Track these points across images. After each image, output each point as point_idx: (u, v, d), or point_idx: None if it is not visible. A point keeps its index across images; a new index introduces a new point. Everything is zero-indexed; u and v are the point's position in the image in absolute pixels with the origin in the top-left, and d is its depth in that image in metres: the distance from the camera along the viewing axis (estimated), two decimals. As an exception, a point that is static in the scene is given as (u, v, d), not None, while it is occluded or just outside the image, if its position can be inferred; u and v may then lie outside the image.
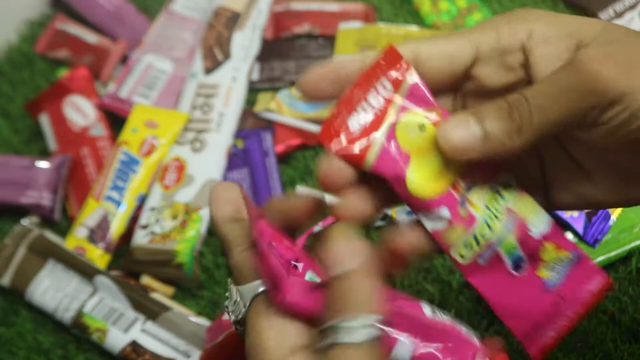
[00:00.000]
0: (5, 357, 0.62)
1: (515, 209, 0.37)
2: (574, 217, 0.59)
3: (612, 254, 0.58)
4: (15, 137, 0.77)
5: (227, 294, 0.37)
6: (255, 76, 0.75)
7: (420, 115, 0.35)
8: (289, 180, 0.68)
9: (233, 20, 0.76)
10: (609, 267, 0.59)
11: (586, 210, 0.59)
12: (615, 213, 0.59)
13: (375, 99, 0.35)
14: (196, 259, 0.64)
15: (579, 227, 0.59)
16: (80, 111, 0.74)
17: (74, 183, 0.71)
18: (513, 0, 0.78)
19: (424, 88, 0.35)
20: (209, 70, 0.73)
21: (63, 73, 0.78)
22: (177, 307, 0.61)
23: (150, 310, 0.60)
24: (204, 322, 0.60)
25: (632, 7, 0.72)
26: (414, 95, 0.35)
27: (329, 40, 0.77)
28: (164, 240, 0.64)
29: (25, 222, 0.66)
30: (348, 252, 0.33)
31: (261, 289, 0.35)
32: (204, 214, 0.65)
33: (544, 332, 0.39)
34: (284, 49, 0.77)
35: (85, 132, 0.73)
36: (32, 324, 0.64)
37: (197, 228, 0.64)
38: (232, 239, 0.37)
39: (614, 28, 0.34)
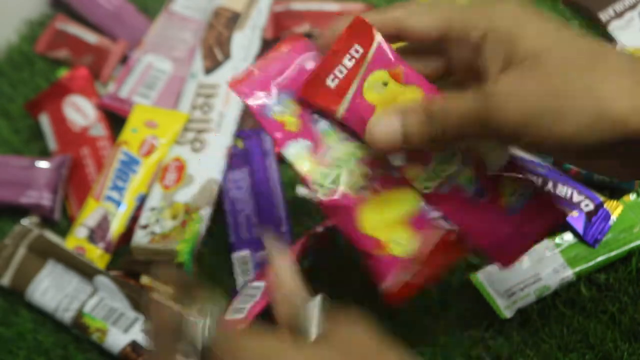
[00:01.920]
0: (5, 357, 0.62)
1: (473, 148, 0.45)
2: (574, 217, 0.59)
3: (612, 254, 0.58)
4: (15, 137, 0.77)
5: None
6: (255, 76, 0.75)
7: (384, 73, 0.44)
8: (289, 180, 0.68)
9: (233, 20, 0.76)
10: (609, 267, 0.59)
11: (586, 210, 0.59)
12: (615, 213, 0.59)
13: (349, 62, 0.45)
14: (196, 259, 0.64)
15: (579, 227, 0.59)
16: (80, 111, 0.74)
17: (74, 183, 0.71)
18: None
19: (387, 50, 0.44)
20: (209, 70, 0.73)
21: (63, 73, 0.78)
22: (176, 307, 0.61)
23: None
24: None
25: (632, 7, 0.72)
26: (379, 57, 0.44)
27: (329, 40, 0.77)
28: (164, 240, 0.64)
29: (25, 222, 0.66)
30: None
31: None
32: (204, 214, 0.65)
33: (512, 247, 0.46)
34: (284, 49, 0.77)
35: (85, 132, 0.73)
36: (32, 324, 0.64)
37: (197, 228, 0.64)
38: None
39: (555, 49, 0.37)
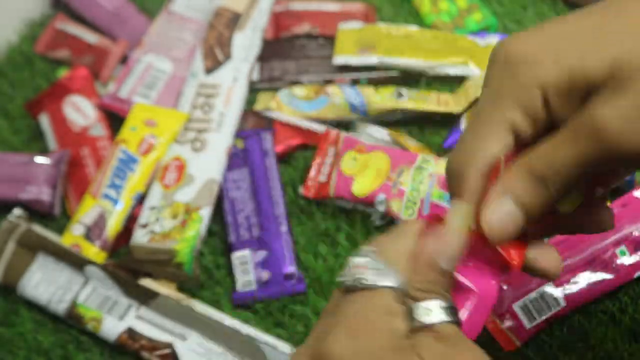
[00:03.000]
0: (5, 357, 0.62)
1: (434, 172, 0.58)
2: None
3: (612, 253, 0.58)
4: (15, 137, 0.77)
5: (362, 252, 0.37)
6: (255, 76, 0.75)
7: (352, 152, 0.63)
8: (289, 180, 0.68)
9: (234, 20, 0.76)
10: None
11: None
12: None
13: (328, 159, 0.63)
14: (196, 259, 0.64)
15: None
16: (80, 111, 0.74)
17: (74, 183, 0.71)
18: (513, 1, 0.78)
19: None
20: (209, 70, 0.73)
21: (63, 73, 0.78)
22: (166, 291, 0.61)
23: (143, 296, 0.61)
24: (196, 303, 0.61)
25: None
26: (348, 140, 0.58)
27: (329, 40, 0.77)
28: (163, 239, 0.64)
29: (12, 217, 0.66)
30: (456, 255, 0.36)
31: (397, 284, 0.35)
32: (204, 213, 0.65)
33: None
34: (284, 49, 0.77)
35: (85, 132, 0.73)
36: (32, 324, 0.64)
37: (197, 228, 0.64)
38: (411, 231, 0.37)
39: (628, 63, 0.32)
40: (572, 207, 0.37)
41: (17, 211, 0.67)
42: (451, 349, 0.34)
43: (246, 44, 0.75)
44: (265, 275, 0.63)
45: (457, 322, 0.35)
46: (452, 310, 0.35)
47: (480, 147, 0.36)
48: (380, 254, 0.36)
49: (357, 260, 0.36)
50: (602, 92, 0.33)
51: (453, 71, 0.72)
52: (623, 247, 0.56)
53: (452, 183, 0.37)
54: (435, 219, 0.37)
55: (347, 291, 0.36)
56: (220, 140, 0.69)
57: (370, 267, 0.35)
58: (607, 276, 0.56)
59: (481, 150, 0.36)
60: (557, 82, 0.34)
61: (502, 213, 0.35)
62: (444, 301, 0.35)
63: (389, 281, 0.35)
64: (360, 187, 0.63)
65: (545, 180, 0.34)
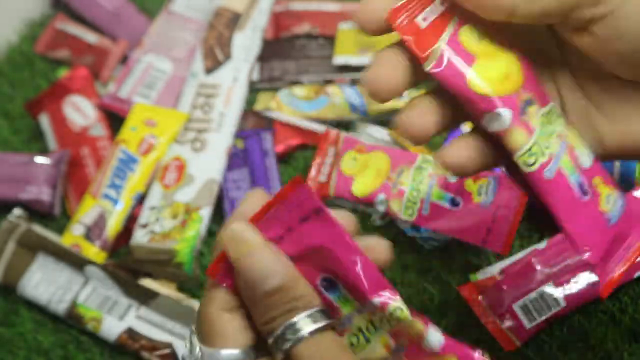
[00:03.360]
0: (5, 357, 0.62)
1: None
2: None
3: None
4: (15, 137, 0.77)
5: (186, 344, 0.35)
6: (255, 76, 0.75)
7: (352, 152, 0.35)
8: (289, 180, 0.68)
9: (234, 20, 0.76)
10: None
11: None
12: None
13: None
14: (196, 259, 0.64)
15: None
16: (80, 111, 0.74)
17: (74, 183, 0.71)
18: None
19: None
20: (209, 70, 0.73)
21: (63, 73, 0.78)
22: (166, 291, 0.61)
23: (143, 296, 0.61)
24: (196, 303, 0.61)
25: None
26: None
27: (329, 40, 0.77)
28: (163, 239, 0.64)
29: (12, 217, 0.66)
30: (272, 264, 0.33)
31: (227, 359, 0.33)
32: (204, 213, 0.65)
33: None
34: (284, 49, 0.77)
35: (85, 132, 0.73)
36: (32, 324, 0.64)
37: (197, 228, 0.64)
38: (220, 290, 0.34)
39: None
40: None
41: (17, 211, 0.67)
42: None
43: (246, 44, 0.75)
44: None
45: (316, 329, 0.32)
46: (294, 327, 0.32)
47: None
48: (199, 332, 0.34)
49: (183, 353, 0.35)
50: None
51: (453, 71, 0.72)
52: (623, 247, 0.56)
53: None
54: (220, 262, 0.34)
55: None
56: (220, 140, 0.69)
57: (194, 357, 0.34)
58: (607, 276, 0.56)
59: None
60: None
61: None
62: (289, 319, 0.32)
63: None
64: (360, 187, 0.63)
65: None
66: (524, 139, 0.35)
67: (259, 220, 0.34)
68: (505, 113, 0.34)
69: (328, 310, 0.33)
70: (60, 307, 0.62)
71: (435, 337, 0.36)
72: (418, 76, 0.35)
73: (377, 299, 0.34)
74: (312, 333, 0.32)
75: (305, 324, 0.32)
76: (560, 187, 0.35)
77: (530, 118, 0.35)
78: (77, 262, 0.62)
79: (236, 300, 0.34)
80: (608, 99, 0.37)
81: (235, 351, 0.33)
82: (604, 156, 0.38)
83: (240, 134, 0.70)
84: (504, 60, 0.35)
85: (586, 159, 0.37)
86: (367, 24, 0.35)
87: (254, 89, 0.75)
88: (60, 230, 0.68)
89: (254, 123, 0.72)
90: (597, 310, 0.57)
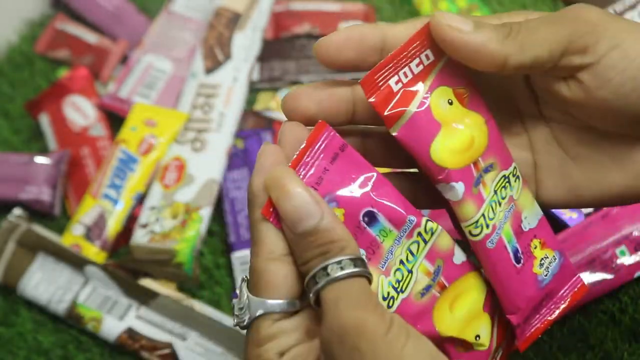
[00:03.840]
0: (5, 357, 0.62)
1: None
2: (573, 218, 0.59)
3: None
4: (15, 137, 0.77)
5: (237, 291, 0.36)
6: (255, 76, 0.75)
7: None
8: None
9: (234, 20, 0.76)
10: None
11: (585, 211, 0.59)
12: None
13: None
14: (196, 259, 0.64)
15: (579, 227, 0.59)
16: (80, 111, 0.74)
17: (74, 183, 0.71)
18: (513, 1, 0.78)
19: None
20: (209, 70, 0.73)
21: (63, 73, 0.78)
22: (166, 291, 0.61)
23: (143, 296, 0.61)
24: (196, 303, 0.61)
25: (632, 7, 0.72)
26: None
27: (329, 40, 0.77)
28: (163, 239, 0.64)
29: (12, 217, 0.66)
30: (310, 206, 0.34)
31: (266, 309, 0.34)
32: (204, 213, 0.65)
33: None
34: (284, 49, 0.77)
35: (85, 132, 0.73)
36: (32, 324, 0.64)
37: (197, 228, 0.64)
38: (267, 239, 0.35)
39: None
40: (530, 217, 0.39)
41: (17, 211, 0.67)
42: (324, 319, 0.33)
43: (246, 44, 0.75)
44: (265, 275, 0.63)
45: (351, 273, 0.33)
46: (339, 264, 0.33)
47: None
48: (249, 282, 0.35)
49: (234, 303, 0.36)
50: None
51: (453, 71, 0.72)
52: (623, 247, 0.56)
53: None
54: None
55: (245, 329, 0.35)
56: (220, 140, 0.69)
57: (240, 306, 0.35)
58: (607, 276, 0.56)
59: None
60: None
61: (456, 22, 0.34)
62: (325, 262, 0.33)
63: (255, 313, 0.34)
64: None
65: (511, 27, 0.34)
66: (472, 212, 0.37)
67: (296, 166, 0.35)
68: (459, 187, 0.37)
69: (361, 259, 0.34)
70: (60, 307, 0.62)
71: (459, 252, 0.39)
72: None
73: (412, 217, 0.36)
74: (339, 279, 0.33)
75: (333, 269, 0.33)
76: (499, 256, 0.38)
77: (485, 187, 0.37)
78: (77, 262, 0.63)
79: (283, 247, 0.35)
80: (584, 151, 0.39)
81: (280, 301, 0.34)
82: (579, 204, 0.40)
83: (240, 134, 0.70)
84: (469, 127, 0.37)
85: (533, 219, 0.39)
86: (330, 62, 0.37)
87: (254, 89, 0.75)
88: (60, 230, 0.68)
89: (254, 123, 0.72)
90: (597, 310, 0.57)
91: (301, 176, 0.35)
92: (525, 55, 0.34)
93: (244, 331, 0.36)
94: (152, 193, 0.67)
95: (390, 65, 0.35)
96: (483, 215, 0.37)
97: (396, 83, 0.36)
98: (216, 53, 0.74)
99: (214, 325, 0.59)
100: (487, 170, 0.37)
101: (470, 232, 0.38)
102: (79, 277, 0.62)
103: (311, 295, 0.33)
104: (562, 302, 0.41)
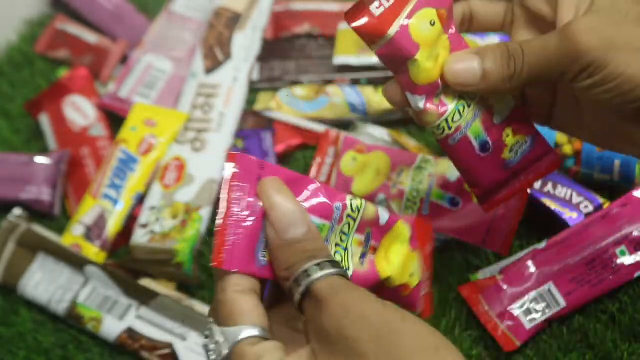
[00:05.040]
0: (5, 357, 0.62)
1: (434, 172, 0.48)
2: (573, 218, 0.59)
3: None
4: (15, 137, 0.77)
5: (206, 332, 0.36)
6: (255, 76, 0.75)
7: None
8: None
9: (234, 20, 0.76)
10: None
11: (585, 211, 0.59)
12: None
13: (328, 159, 0.45)
14: (196, 259, 0.64)
15: (579, 227, 0.59)
16: (80, 111, 0.74)
17: (74, 183, 0.71)
18: (513, 1, 0.78)
19: None
20: (209, 70, 0.73)
21: (63, 73, 0.78)
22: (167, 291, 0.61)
23: (143, 296, 0.61)
24: (196, 303, 0.61)
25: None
26: (346, 144, 0.46)
27: (329, 40, 0.77)
28: (163, 239, 0.64)
29: (12, 217, 0.66)
30: (299, 215, 0.37)
31: (245, 334, 0.35)
32: (204, 213, 0.65)
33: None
34: (284, 49, 0.77)
35: (85, 132, 0.73)
36: (32, 324, 0.64)
37: (197, 228, 0.64)
38: (231, 276, 0.36)
39: (625, 3, 0.40)
40: (503, 111, 0.45)
41: (17, 211, 0.67)
42: (320, 310, 0.34)
43: (246, 44, 0.75)
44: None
45: (332, 272, 0.35)
46: (321, 264, 0.35)
47: None
48: (218, 320, 0.36)
49: (205, 343, 0.36)
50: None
51: (453, 71, 0.72)
52: (623, 247, 0.56)
53: None
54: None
55: None
56: (220, 140, 0.69)
57: (215, 341, 0.36)
58: (607, 276, 0.56)
59: None
60: None
61: (465, 64, 0.42)
62: (308, 264, 0.35)
63: (234, 340, 0.35)
64: (360, 187, 0.63)
65: (512, 56, 0.41)
66: (434, 118, 0.44)
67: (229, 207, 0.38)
68: (420, 99, 0.43)
69: (337, 262, 0.37)
70: (60, 307, 0.62)
71: (383, 213, 0.44)
72: None
73: (337, 204, 0.40)
74: (324, 277, 0.35)
75: (315, 271, 0.35)
76: (461, 150, 0.45)
77: (447, 96, 0.44)
78: (77, 262, 0.63)
79: (247, 282, 0.36)
80: (599, 114, 0.45)
81: (256, 327, 0.35)
82: (578, 136, 0.49)
83: (240, 134, 0.70)
84: (443, 48, 0.43)
85: (505, 111, 0.45)
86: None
87: (254, 89, 0.75)
88: (60, 230, 0.68)
89: (254, 123, 0.72)
90: (597, 310, 0.57)
91: (238, 213, 0.37)
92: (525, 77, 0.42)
93: None
94: (152, 193, 0.67)
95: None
96: (446, 119, 0.44)
97: (377, 8, 0.41)
98: (216, 53, 0.74)
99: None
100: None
101: (433, 132, 0.45)
102: (79, 277, 0.62)
103: (298, 294, 0.35)
104: (532, 174, 0.47)
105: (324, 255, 0.36)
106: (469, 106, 0.44)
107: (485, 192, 0.48)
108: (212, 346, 0.36)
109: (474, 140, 0.45)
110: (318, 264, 0.35)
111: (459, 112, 0.44)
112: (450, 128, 0.44)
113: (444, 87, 0.43)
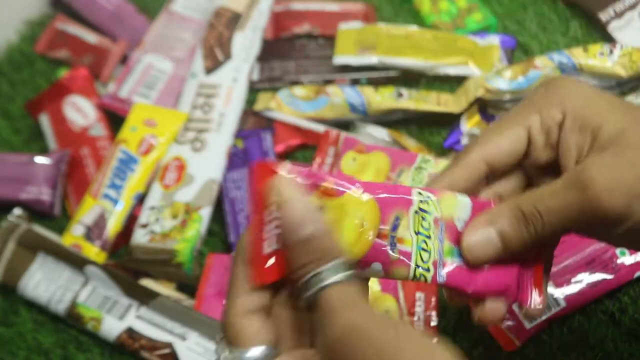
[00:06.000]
0: (5, 357, 0.62)
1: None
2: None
3: (612, 254, 0.58)
4: (15, 137, 0.77)
5: (215, 349, 0.37)
6: (255, 76, 0.75)
7: (352, 153, 0.40)
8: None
9: (234, 20, 0.76)
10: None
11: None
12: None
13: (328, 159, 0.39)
14: (196, 259, 0.64)
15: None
16: (80, 111, 0.74)
17: (74, 183, 0.71)
18: (513, 1, 0.78)
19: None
20: (209, 70, 0.73)
21: (63, 73, 0.78)
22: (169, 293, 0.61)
23: (143, 296, 0.61)
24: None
25: (632, 7, 0.72)
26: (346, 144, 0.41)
27: (329, 40, 0.77)
28: (163, 239, 0.64)
29: (12, 217, 0.66)
30: (305, 216, 0.35)
31: (251, 354, 0.35)
32: (204, 213, 0.65)
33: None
34: (284, 49, 0.77)
35: (85, 132, 0.73)
36: (32, 324, 0.64)
37: (197, 228, 0.64)
38: (243, 295, 0.36)
39: (634, 130, 0.37)
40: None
41: (17, 211, 0.67)
42: (322, 325, 0.34)
43: (246, 44, 0.75)
44: (265, 275, 0.63)
45: (341, 278, 0.34)
46: (333, 268, 0.35)
47: (493, 139, 0.40)
48: (227, 339, 0.36)
49: (216, 351, 0.37)
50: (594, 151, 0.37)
51: (453, 71, 0.72)
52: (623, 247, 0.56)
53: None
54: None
55: None
56: (220, 140, 0.69)
57: (223, 356, 0.36)
58: (607, 276, 0.56)
59: (492, 142, 0.40)
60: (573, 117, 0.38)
61: (483, 237, 0.38)
62: (318, 268, 0.35)
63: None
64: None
65: (530, 219, 0.37)
66: (404, 273, 0.38)
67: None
68: (377, 266, 0.37)
69: (350, 264, 0.35)
70: (60, 307, 0.62)
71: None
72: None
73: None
74: (334, 284, 0.34)
75: (326, 275, 0.35)
76: (454, 279, 0.39)
77: (403, 242, 0.37)
78: (77, 262, 0.62)
79: (257, 302, 0.36)
80: None
81: (260, 348, 0.35)
82: None
83: (240, 134, 0.70)
84: (355, 212, 0.37)
85: (464, 213, 0.40)
86: None
87: (254, 89, 0.75)
88: (60, 230, 0.68)
89: (254, 123, 0.72)
90: (597, 310, 0.57)
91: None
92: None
93: None
94: (152, 193, 0.67)
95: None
96: (417, 265, 0.38)
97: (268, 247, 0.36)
98: (216, 53, 0.74)
99: (214, 325, 0.59)
100: (395, 227, 0.37)
101: (418, 283, 0.40)
102: (79, 277, 0.62)
103: (302, 300, 0.35)
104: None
105: (336, 256, 0.35)
106: (428, 238, 0.38)
107: (518, 288, 0.41)
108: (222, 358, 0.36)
109: (455, 261, 0.39)
110: (329, 268, 0.35)
111: (425, 248, 0.38)
112: (428, 270, 0.38)
113: (393, 232, 0.37)
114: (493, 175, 0.41)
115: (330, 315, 0.34)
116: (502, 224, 0.38)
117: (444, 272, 0.38)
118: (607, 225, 0.37)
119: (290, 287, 0.37)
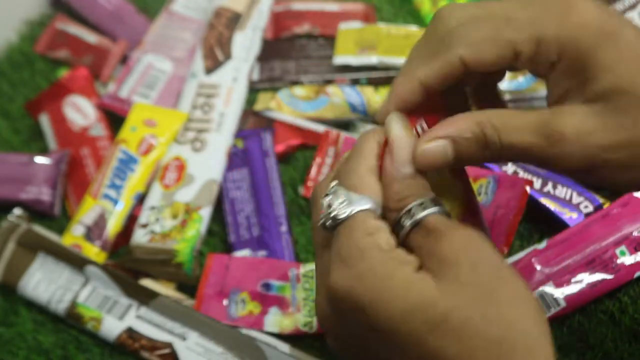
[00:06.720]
0: (5, 357, 0.62)
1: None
2: (573, 218, 0.59)
3: (612, 254, 0.58)
4: (15, 137, 0.77)
5: (330, 190, 0.39)
6: (255, 76, 0.75)
7: None
8: (289, 180, 0.68)
9: (234, 20, 0.76)
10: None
11: (585, 211, 0.59)
12: (615, 213, 0.59)
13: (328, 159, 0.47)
14: (196, 259, 0.64)
15: (579, 227, 0.59)
16: (80, 111, 0.74)
17: (74, 183, 0.71)
18: (513, 1, 0.78)
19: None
20: (209, 70, 0.73)
21: (63, 73, 0.78)
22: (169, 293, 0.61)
23: (143, 296, 0.61)
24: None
25: (632, 7, 0.72)
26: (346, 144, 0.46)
27: (329, 40, 0.77)
28: (163, 239, 0.64)
29: (12, 217, 0.66)
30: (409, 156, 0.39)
31: (371, 205, 0.38)
32: (204, 213, 0.65)
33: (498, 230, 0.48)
34: (284, 49, 0.77)
35: (85, 132, 0.73)
36: (32, 324, 0.64)
37: (197, 228, 0.64)
38: (369, 154, 0.39)
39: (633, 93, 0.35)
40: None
41: (17, 211, 0.67)
42: (438, 238, 0.36)
43: (246, 44, 0.75)
44: (265, 275, 0.63)
45: (444, 212, 0.38)
46: (435, 202, 0.38)
47: (421, 68, 0.41)
48: (345, 184, 0.39)
49: (327, 200, 0.39)
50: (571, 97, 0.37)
51: (453, 71, 0.72)
52: (623, 247, 0.56)
53: (389, 97, 0.42)
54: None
55: (331, 230, 0.38)
56: (220, 140, 0.69)
57: (339, 201, 0.38)
58: (607, 276, 0.56)
59: (420, 70, 0.41)
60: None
61: (436, 147, 0.38)
62: (422, 199, 0.38)
63: (360, 206, 0.38)
64: None
65: (489, 145, 0.37)
66: None
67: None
68: None
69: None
70: (60, 307, 0.62)
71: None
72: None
73: None
74: (438, 212, 0.38)
75: (430, 205, 0.38)
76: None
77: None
78: (77, 262, 0.62)
79: (376, 164, 0.40)
80: None
81: (377, 204, 0.38)
82: None
83: (240, 134, 0.70)
84: None
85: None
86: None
87: (254, 89, 0.75)
88: (60, 230, 0.68)
89: (254, 123, 0.72)
90: (597, 310, 0.57)
91: None
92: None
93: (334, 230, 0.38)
94: (152, 193, 0.67)
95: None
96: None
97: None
98: (216, 53, 0.74)
99: (214, 325, 0.59)
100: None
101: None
102: (79, 277, 0.62)
103: (409, 224, 0.37)
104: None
105: (434, 197, 0.38)
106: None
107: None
108: (337, 204, 0.38)
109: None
110: (431, 200, 0.38)
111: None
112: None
113: None
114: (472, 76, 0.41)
115: (441, 231, 0.36)
116: (461, 142, 0.38)
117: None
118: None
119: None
